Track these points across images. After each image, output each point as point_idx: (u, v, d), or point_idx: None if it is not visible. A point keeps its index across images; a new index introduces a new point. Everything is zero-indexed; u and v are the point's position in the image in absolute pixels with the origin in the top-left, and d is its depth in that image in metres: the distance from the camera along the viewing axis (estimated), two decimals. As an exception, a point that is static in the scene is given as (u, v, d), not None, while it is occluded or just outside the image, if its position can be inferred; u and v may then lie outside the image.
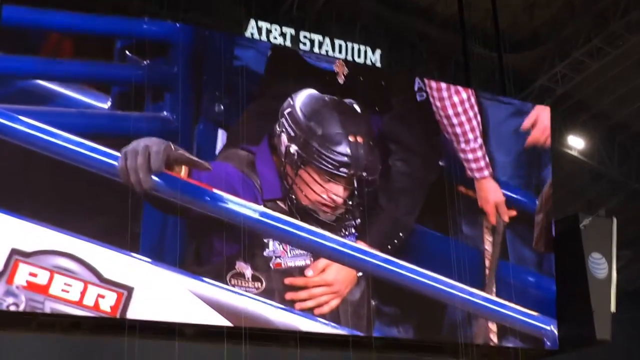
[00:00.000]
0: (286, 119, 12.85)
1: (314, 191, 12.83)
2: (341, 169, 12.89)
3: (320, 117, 13.04)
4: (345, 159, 12.89)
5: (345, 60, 13.98)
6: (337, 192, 12.92)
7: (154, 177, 11.53)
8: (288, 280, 12.62)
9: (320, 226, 12.90)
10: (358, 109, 13.51)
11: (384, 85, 14.44)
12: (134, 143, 11.60)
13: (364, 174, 13.08)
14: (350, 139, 13.03)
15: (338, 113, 13.20)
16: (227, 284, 12.10)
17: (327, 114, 13.13)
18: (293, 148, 12.74)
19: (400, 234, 13.62)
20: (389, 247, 13.37)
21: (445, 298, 13.77)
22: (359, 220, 13.22)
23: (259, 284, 12.37)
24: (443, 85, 14.55)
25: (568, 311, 14.77)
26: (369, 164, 13.15)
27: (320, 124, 12.95)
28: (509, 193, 14.84)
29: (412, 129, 14.26)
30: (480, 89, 15.47)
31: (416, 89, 14.42)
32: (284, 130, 12.80)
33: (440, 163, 14.45)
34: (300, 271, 12.76)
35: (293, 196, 12.80)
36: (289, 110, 12.93)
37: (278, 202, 12.73)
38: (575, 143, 20.82)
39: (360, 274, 13.17)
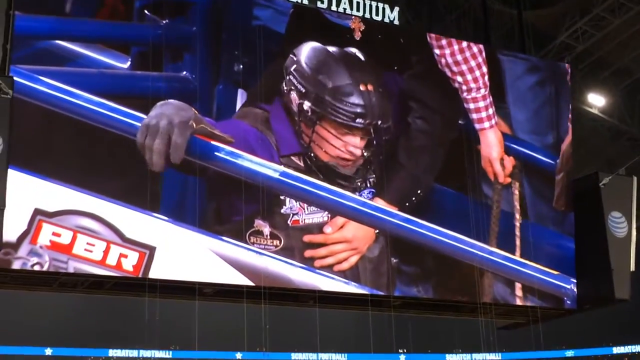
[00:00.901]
0: (293, 76, 12.77)
1: (333, 146, 12.81)
2: (357, 120, 12.86)
3: (328, 69, 13.00)
4: (359, 109, 12.88)
5: (363, 18, 13.88)
6: (354, 143, 12.90)
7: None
8: (307, 238, 12.68)
9: (341, 179, 12.92)
10: (362, 57, 13.43)
11: (402, 42, 14.35)
12: (157, 114, 11.61)
13: (379, 122, 13.07)
14: (362, 88, 13.02)
15: (344, 63, 13.16)
16: (246, 242, 12.18)
17: (334, 66, 13.09)
18: (306, 105, 12.69)
19: (419, 192, 13.62)
20: (407, 204, 13.39)
21: (464, 257, 13.82)
22: (375, 177, 13.24)
23: (278, 241, 12.43)
24: (446, 40, 14.45)
25: (587, 270, 14.76)
26: (382, 111, 13.13)
27: (329, 76, 12.92)
28: (526, 151, 14.79)
29: (432, 87, 14.21)
30: (500, 47, 15.32)
31: (437, 53, 14.34)
32: (292, 87, 12.74)
33: (460, 122, 14.40)
34: (318, 228, 12.81)
35: (312, 154, 12.80)
36: (294, 66, 12.84)
37: (294, 158, 12.73)
38: (596, 101, 20.61)
39: (378, 230, 13.22)
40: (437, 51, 14.24)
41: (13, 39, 11.02)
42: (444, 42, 14.35)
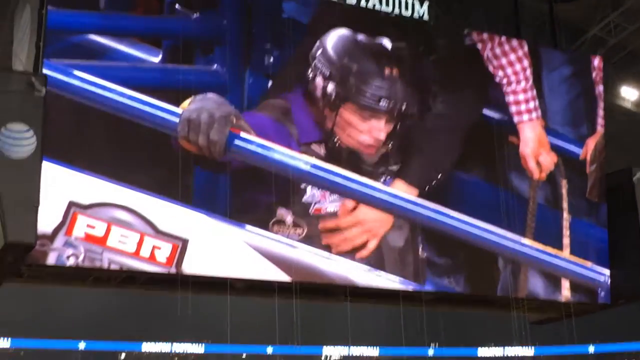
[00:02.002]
0: (319, 61, 12.81)
1: (357, 129, 12.84)
2: (381, 103, 12.89)
3: (354, 54, 13.02)
4: (383, 92, 12.90)
5: (392, 14, 13.88)
6: (379, 127, 12.91)
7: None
8: (321, 225, 12.67)
9: (364, 166, 12.91)
10: (389, 45, 13.43)
11: (431, 25, 14.37)
12: (197, 108, 11.73)
13: (403, 106, 13.07)
14: (386, 72, 13.06)
15: (371, 49, 13.18)
16: (269, 231, 12.25)
17: (360, 51, 13.11)
18: (330, 87, 12.72)
19: (439, 175, 13.58)
20: (427, 187, 13.34)
21: (495, 249, 13.78)
22: (397, 160, 13.22)
23: (300, 229, 12.47)
24: (487, 35, 14.49)
25: (620, 265, 14.67)
26: (406, 96, 13.13)
27: (355, 60, 12.95)
28: (559, 142, 14.71)
29: (456, 72, 14.22)
30: (531, 40, 15.24)
31: (465, 32, 14.39)
32: (318, 72, 12.78)
33: (487, 110, 14.36)
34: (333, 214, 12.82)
35: (335, 139, 12.82)
36: (320, 51, 12.88)
37: (314, 146, 12.74)
38: (629, 94, 20.39)
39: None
40: (479, 45, 14.27)
41: (46, 33, 11.17)
42: (485, 36, 14.40)
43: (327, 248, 12.64)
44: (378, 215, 13.03)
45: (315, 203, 12.67)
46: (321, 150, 12.77)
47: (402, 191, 13.17)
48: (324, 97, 12.77)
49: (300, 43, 13.00)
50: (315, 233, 12.57)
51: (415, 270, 13.27)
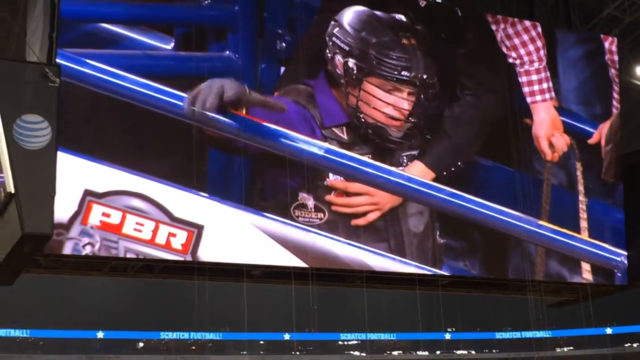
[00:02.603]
0: (337, 38, 12.79)
1: (382, 101, 12.81)
2: (403, 72, 12.87)
3: (370, 27, 13.01)
4: (404, 61, 12.88)
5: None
6: (402, 97, 12.89)
7: (217, 116, 11.75)
8: (329, 182, 12.61)
9: (390, 143, 12.94)
10: (408, 19, 13.39)
11: (460, 18, 14.32)
12: (207, 83, 11.76)
13: (425, 76, 13.05)
14: (404, 41, 13.06)
15: (387, 21, 13.18)
16: (291, 216, 12.26)
17: (376, 24, 13.10)
18: (351, 62, 12.70)
19: (459, 163, 13.55)
20: (445, 173, 13.32)
21: (511, 230, 13.73)
22: (422, 138, 13.22)
23: (322, 214, 12.46)
24: (500, 16, 14.45)
25: (637, 245, 14.58)
26: (426, 66, 13.10)
27: (372, 33, 12.93)
28: (573, 122, 14.65)
29: (486, 64, 14.20)
30: (544, 21, 15.14)
31: (493, 29, 14.29)
32: (337, 50, 12.75)
33: (511, 96, 14.32)
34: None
35: (360, 114, 12.80)
36: (336, 29, 12.85)
37: (337, 130, 12.72)
38: (644, 73, 20.19)
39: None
40: (493, 26, 14.24)
41: (59, 23, 11.18)
42: (499, 17, 14.39)
43: (328, 204, 12.58)
44: None
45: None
46: (344, 134, 12.75)
47: (419, 173, 13.14)
48: (346, 74, 12.76)
49: (313, 25, 12.97)
50: (338, 218, 12.57)
51: (433, 255, 13.25)
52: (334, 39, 12.78)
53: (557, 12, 16.98)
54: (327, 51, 12.81)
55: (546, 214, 14.01)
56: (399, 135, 13.02)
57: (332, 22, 12.89)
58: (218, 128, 11.82)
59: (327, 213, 12.52)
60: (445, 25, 14.10)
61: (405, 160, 13.09)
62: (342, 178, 12.71)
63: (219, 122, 11.79)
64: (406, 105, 12.93)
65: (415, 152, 13.20)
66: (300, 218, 12.30)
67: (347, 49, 12.73)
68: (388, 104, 12.84)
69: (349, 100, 12.77)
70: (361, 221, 12.79)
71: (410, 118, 13.06)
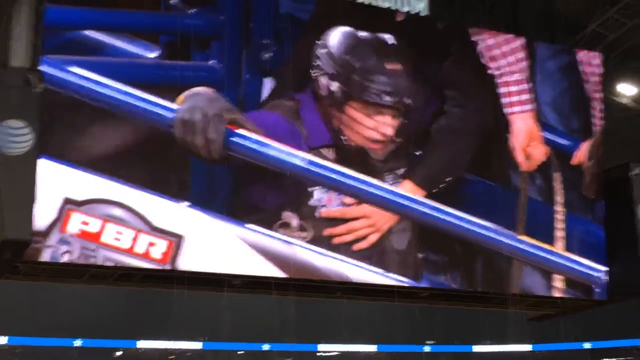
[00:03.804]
0: (322, 60, 12.79)
1: (364, 125, 12.82)
2: (385, 98, 12.88)
3: (356, 51, 13.00)
4: (387, 87, 12.91)
5: (389, 10, 13.84)
6: (384, 122, 12.90)
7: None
8: (324, 212, 12.60)
9: (372, 164, 12.93)
10: (394, 41, 13.40)
11: (442, 30, 14.34)
12: (190, 107, 11.65)
13: (408, 100, 13.08)
14: (388, 67, 13.07)
15: (373, 45, 13.18)
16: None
17: (362, 48, 13.08)
18: (334, 85, 12.70)
19: (448, 178, 13.56)
20: (435, 190, 13.31)
21: (491, 245, 13.71)
22: (404, 167, 13.18)
23: (306, 233, 12.44)
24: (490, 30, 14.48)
25: (617, 260, 14.62)
26: (410, 91, 13.14)
27: (357, 57, 12.93)
28: (552, 136, 14.64)
29: (470, 76, 14.20)
30: (530, 36, 15.22)
31: (474, 40, 14.30)
32: (320, 72, 12.74)
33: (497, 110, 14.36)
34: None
35: (342, 137, 12.80)
36: (323, 50, 12.85)
37: (324, 150, 12.72)
38: (627, 90, 20.41)
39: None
40: (474, 38, 14.27)
41: (43, 29, 11.12)
42: (481, 29, 14.43)
43: (328, 238, 12.58)
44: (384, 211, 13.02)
45: (321, 207, 12.63)
46: (330, 154, 12.74)
47: (409, 191, 13.16)
48: (329, 97, 12.74)
49: (300, 41, 12.94)
50: (321, 236, 12.53)
51: (415, 270, 13.23)
52: (318, 61, 12.77)
53: (542, 27, 17.11)
54: (313, 71, 12.79)
55: (522, 226, 14.02)
56: (382, 158, 13.01)
57: (318, 42, 12.87)
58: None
59: (311, 231, 12.47)
60: (427, 38, 14.09)
61: (391, 178, 13.07)
62: (338, 205, 12.62)
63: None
64: (389, 131, 12.95)
65: (400, 171, 13.17)
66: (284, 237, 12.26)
67: (331, 72, 12.72)
68: (370, 127, 12.84)
69: (333, 122, 12.76)
70: (363, 244, 12.80)
71: (396, 139, 13.06)
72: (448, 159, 13.72)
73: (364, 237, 12.81)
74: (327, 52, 12.81)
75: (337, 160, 12.73)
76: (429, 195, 13.26)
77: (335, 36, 12.97)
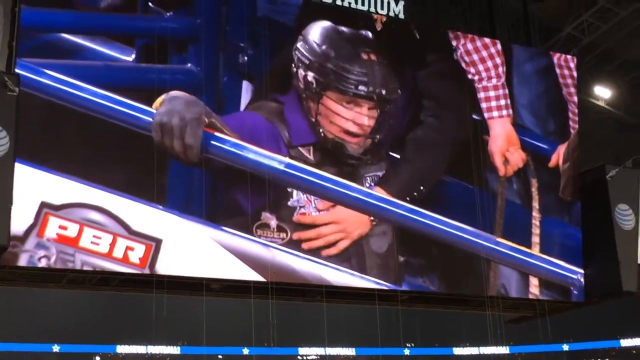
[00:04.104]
0: (300, 52, 12.83)
1: (340, 116, 12.81)
2: (359, 87, 12.90)
3: (333, 42, 13.07)
4: (362, 76, 12.92)
5: (369, 12, 13.88)
6: (361, 112, 12.91)
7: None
8: (296, 218, 12.59)
9: (349, 159, 12.92)
10: (371, 35, 13.47)
11: (420, 40, 14.37)
12: (167, 110, 11.64)
13: (383, 91, 13.09)
14: (364, 56, 13.11)
15: (350, 37, 13.25)
16: (253, 234, 12.18)
17: (339, 39, 13.16)
18: (310, 75, 12.73)
19: (422, 187, 13.59)
20: (408, 198, 13.36)
21: (469, 247, 13.79)
22: (381, 171, 13.23)
23: (284, 234, 12.42)
24: (468, 35, 14.58)
25: (594, 263, 14.72)
26: (386, 81, 13.17)
27: (333, 47, 12.99)
28: (529, 139, 14.77)
29: (447, 86, 14.28)
30: (505, 39, 15.32)
31: (454, 45, 14.39)
32: (299, 64, 12.77)
33: (474, 116, 14.41)
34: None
35: (320, 129, 12.78)
36: (301, 43, 12.90)
37: (303, 150, 12.71)
38: (602, 93, 20.57)
39: (374, 220, 13.13)
40: (454, 42, 14.34)
41: (19, 32, 11.04)
42: (459, 33, 14.51)
43: (298, 242, 12.55)
44: (355, 216, 13.00)
45: (300, 208, 12.62)
46: (310, 155, 12.72)
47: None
48: (306, 88, 12.76)
49: (282, 43, 12.98)
50: (296, 240, 12.51)
51: (395, 273, 13.25)
52: (297, 52, 12.82)
53: (517, 31, 17.22)
54: (293, 65, 12.82)
55: (500, 229, 14.11)
56: (359, 152, 13.01)
57: (299, 36, 12.93)
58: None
59: (289, 233, 12.45)
60: (405, 47, 14.14)
61: (368, 181, 13.08)
62: (310, 212, 12.60)
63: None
64: (366, 121, 12.95)
65: (379, 174, 13.19)
66: (262, 238, 12.24)
67: (308, 62, 12.76)
68: (347, 119, 12.85)
69: (312, 116, 12.76)
70: (332, 250, 12.78)
71: (376, 135, 13.06)
72: (422, 169, 13.76)
73: (333, 243, 12.80)
74: (305, 44, 12.86)
75: (318, 161, 12.73)
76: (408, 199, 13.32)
77: (315, 29, 13.06)
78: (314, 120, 12.76)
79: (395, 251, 13.20)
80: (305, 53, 12.78)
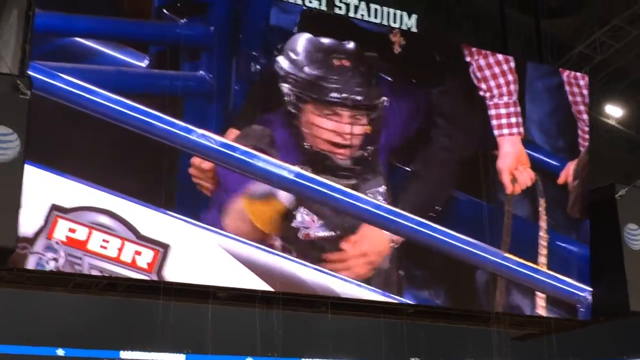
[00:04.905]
0: (278, 65, 12.68)
1: (323, 128, 12.70)
2: (331, 94, 12.75)
3: (309, 53, 12.89)
4: (334, 83, 12.77)
5: (381, 25, 13.90)
6: (341, 121, 12.79)
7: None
8: (324, 257, 12.59)
9: (341, 171, 12.80)
10: (352, 46, 13.21)
11: (438, 61, 14.38)
12: None
13: (359, 98, 12.94)
14: (335, 62, 12.93)
15: (325, 45, 13.05)
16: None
17: (316, 50, 12.97)
18: (286, 88, 12.62)
19: (437, 207, 13.57)
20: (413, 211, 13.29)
21: (475, 261, 13.77)
22: (380, 185, 13.15)
23: (289, 254, 12.42)
24: (475, 48, 14.59)
25: (602, 281, 14.68)
26: (359, 86, 12.99)
27: (307, 58, 12.83)
28: (539, 156, 14.75)
29: (461, 104, 14.27)
30: (517, 56, 15.34)
31: (467, 60, 14.37)
32: (279, 78, 12.65)
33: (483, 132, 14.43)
34: (330, 243, 12.71)
35: (307, 144, 12.71)
36: (280, 57, 12.75)
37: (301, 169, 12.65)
38: (613, 112, 20.57)
39: (394, 244, 13.13)
40: (467, 58, 14.35)
41: (33, 36, 11.11)
42: (473, 49, 14.52)
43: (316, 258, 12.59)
44: (379, 245, 13.04)
45: (303, 228, 12.62)
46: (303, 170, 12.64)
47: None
48: (288, 103, 12.68)
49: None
50: (306, 256, 12.52)
51: (398, 285, 13.26)
52: (276, 66, 12.72)
53: (529, 48, 17.26)
54: (278, 79, 12.74)
55: (506, 246, 14.07)
56: (348, 164, 12.92)
57: (282, 49, 12.82)
58: (192, 149, 11.86)
59: (294, 254, 12.45)
60: (420, 67, 14.15)
61: (370, 198, 13.04)
62: (319, 227, 12.63)
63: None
64: (348, 130, 12.85)
65: (380, 189, 13.14)
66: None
67: (283, 74, 12.68)
68: (329, 130, 12.80)
69: (299, 133, 12.67)
70: (352, 275, 12.79)
71: (367, 147, 13.00)
72: (433, 188, 13.73)
73: (358, 269, 12.83)
74: (282, 57, 12.73)
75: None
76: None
77: (295, 41, 12.93)
78: (301, 136, 12.68)
79: (400, 264, 13.17)
80: (282, 66, 12.68)
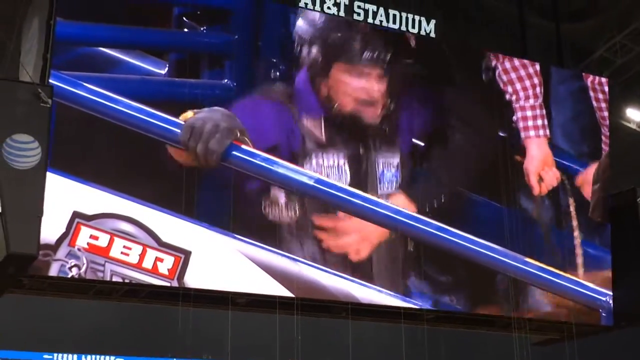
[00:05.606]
0: (301, 30, 12.94)
1: (351, 86, 12.90)
2: (364, 54, 13.03)
3: (327, 19, 13.20)
4: (362, 43, 13.10)
5: (399, 31, 13.94)
6: (370, 80, 13.03)
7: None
8: (318, 221, 12.62)
9: (368, 130, 13.00)
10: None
11: (447, 56, 14.42)
12: (204, 117, 11.79)
13: (387, 56, 13.26)
14: (361, 27, 13.35)
15: (346, 20, 13.41)
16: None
17: (331, 17, 13.29)
18: (314, 51, 12.84)
19: (442, 198, 13.59)
20: (427, 204, 13.35)
21: (497, 266, 13.75)
22: (395, 158, 13.25)
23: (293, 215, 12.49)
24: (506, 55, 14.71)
25: (624, 287, 14.61)
26: (387, 48, 13.30)
27: (327, 23, 13.15)
28: (563, 160, 14.75)
29: (475, 104, 14.29)
30: (537, 60, 15.30)
31: (483, 67, 14.43)
32: (302, 43, 12.89)
33: (501, 133, 14.39)
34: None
35: (335, 105, 12.84)
36: (299, 24, 13.00)
37: (316, 130, 12.73)
38: (634, 115, 20.42)
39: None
40: (493, 62, 14.40)
41: (55, 45, 11.20)
42: (499, 53, 14.61)
43: (319, 241, 12.59)
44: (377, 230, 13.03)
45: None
46: (321, 132, 12.73)
47: (401, 204, 13.19)
48: (312, 66, 12.86)
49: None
50: (317, 251, 12.56)
51: (417, 289, 13.24)
52: (297, 33, 12.93)
53: (549, 52, 17.18)
54: (295, 46, 12.93)
55: (534, 251, 14.03)
56: (377, 122, 13.10)
57: (297, 19, 13.08)
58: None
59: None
60: (437, 65, 14.23)
61: (381, 166, 13.08)
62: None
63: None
64: (376, 88, 13.03)
65: (393, 161, 13.21)
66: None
67: (307, 38, 12.91)
68: (358, 89, 12.94)
69: (322, 91, 12.86)
70: (355, 257, 12.79)
71: (390, 104, 13.18)
72: (444, 182, 13.78)
73: (356, 252, 12.83)
74: (300, 27, 12.97)
75: (329, 140, 12.79)
76: (431, 213, 13.35)
77: (306, 15, 13.18)
78: (326, 95, 12.82)
79: (418, 267, 13.16)
80: (303, 34, 12.91)
